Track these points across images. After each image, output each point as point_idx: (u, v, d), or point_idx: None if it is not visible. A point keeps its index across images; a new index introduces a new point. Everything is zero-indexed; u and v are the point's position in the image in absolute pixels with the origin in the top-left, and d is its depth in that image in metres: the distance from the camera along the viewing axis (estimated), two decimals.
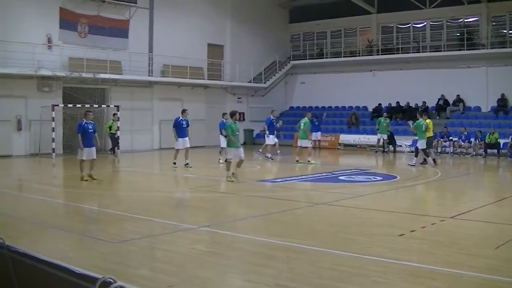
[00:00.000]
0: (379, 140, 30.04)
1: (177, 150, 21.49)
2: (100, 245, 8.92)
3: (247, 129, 36.51)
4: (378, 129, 30.08)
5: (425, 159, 23.18)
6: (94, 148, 17.50)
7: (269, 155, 25.27)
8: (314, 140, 31.31)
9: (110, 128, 27.54)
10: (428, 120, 23.21)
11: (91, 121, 17.77)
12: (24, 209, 12.80)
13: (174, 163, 21.44)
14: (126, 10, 30.77)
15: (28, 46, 25.62)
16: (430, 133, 22.97)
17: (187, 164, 21.19)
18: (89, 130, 17.29)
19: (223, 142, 23.08)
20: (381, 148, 30.15)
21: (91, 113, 18.35)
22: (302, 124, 23.54)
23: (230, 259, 8.29)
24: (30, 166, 24.15)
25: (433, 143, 25.07)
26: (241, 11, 37.31)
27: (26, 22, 26.41)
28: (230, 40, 37.04)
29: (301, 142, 23.70)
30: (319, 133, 31.74)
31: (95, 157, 17.60)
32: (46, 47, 27.35)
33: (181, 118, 21.63)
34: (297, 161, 23.50)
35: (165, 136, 32.56)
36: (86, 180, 17.06)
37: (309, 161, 23.24)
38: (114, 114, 28.16)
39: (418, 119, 23.18)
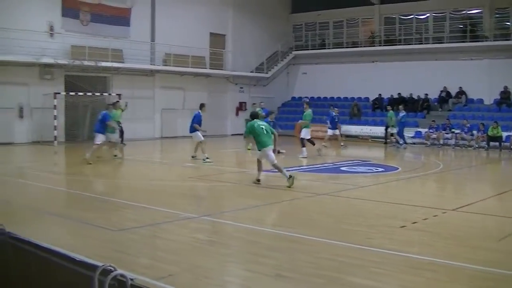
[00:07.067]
0: (391, 133, 29.47)
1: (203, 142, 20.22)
2: (101, 233, 8.91)
3: (248, 119, 36.35)
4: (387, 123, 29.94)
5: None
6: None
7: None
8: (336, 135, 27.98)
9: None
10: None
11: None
12: (25, 197, 12.80)
13: (207, 158, 19.81)
14: None
15: (30, 34, 25.55)
16: None
17: (198, 157, 20.06)
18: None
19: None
20: (396, 142, 29.01)
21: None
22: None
23: (230, 249, 8.28)
24: (32, 153, 24.15)
25: None
26: (243, 1, 37.19)
27: (29, 10, 26.35)
28: (232, 30, 36.95)
29: None
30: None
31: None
32: (48, 35, 27.30)
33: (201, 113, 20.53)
34: None
35: (166, 125, 32.57)
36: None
37: None
38: (126, 103, 27.46)
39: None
